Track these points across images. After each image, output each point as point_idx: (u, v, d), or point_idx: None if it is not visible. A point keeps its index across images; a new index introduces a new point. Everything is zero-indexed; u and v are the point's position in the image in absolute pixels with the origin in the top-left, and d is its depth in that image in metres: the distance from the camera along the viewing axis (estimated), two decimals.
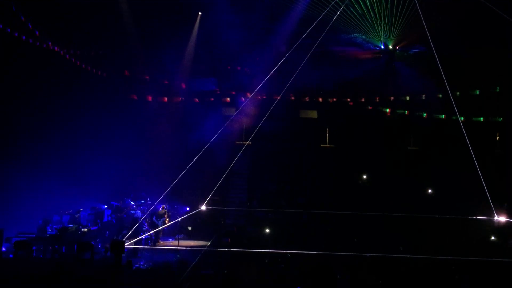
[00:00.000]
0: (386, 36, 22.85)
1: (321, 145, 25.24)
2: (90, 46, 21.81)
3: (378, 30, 22.35)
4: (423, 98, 24.73)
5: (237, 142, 23.99)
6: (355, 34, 22.73)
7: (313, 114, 25.44)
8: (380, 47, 23.69)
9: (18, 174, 17.93)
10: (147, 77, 24.31)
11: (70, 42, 20.61)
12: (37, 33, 18.27)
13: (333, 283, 12.53)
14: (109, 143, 21.41)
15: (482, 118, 23.63)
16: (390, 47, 23.54)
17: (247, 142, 21.94)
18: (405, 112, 25.10)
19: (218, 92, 25.15)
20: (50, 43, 19.13)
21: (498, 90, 23.19)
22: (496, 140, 23.92)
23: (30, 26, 17.86)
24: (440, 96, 22.83)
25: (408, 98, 25.21)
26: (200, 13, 22.78)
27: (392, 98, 25.32)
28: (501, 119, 23.65)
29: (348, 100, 25.29)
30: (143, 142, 23.70)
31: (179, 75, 23.92)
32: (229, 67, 24.69)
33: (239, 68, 24.68)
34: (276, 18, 22.27)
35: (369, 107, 25.39)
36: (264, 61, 22.68)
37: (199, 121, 23.49)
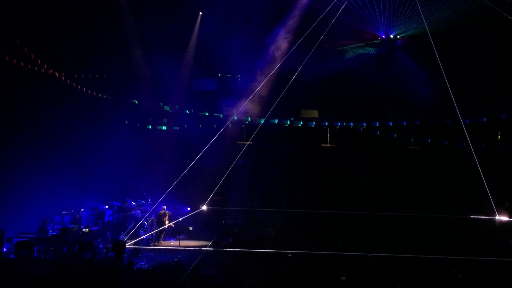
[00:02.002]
0: (387, 25, 22.59)
1: (322, 144, 25.21)
2: (94, 69, 22.07)
3: (379, 18, 22.11)
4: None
5: (238, 142, 23.97)
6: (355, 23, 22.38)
7: (314, 114, 25.41)
8: (381, 36, 23.42)
9: (19, 175, 17.98)
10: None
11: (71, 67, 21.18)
12: (39, 61, 19.51)
13: (333, 283, 12.54)
14: (110, 144, 21.43)
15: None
16: (391, 36, 23.27)
17: (248, 142, 21.95)
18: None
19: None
20: (51, 70, 20.28)
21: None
22: (497, 139, 23.85)
23: (33, 56, 19.00)
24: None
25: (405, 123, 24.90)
26: (200, 13, 22.77)
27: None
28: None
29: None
30: (144, 142, 23.74)
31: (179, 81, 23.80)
32: (229, 75, 24.64)
33: (239, 76, 24.61)
34: (275, 15, 22.17)
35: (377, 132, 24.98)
36: (262, 62, 22.66)
37: (199, 122, 23.53)
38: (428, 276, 13.67)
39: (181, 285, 12.38)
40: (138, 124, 24.02)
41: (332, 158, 24.54)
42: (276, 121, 24.26)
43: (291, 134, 25.00)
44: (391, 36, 23.26)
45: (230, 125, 22.63)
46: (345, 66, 23.27)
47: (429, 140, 23.94)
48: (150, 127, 24.27)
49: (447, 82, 16.08)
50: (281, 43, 22.61)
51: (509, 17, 17.05)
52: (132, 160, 22.05)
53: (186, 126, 24.42)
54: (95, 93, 22.27)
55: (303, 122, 25.10)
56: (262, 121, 21.76)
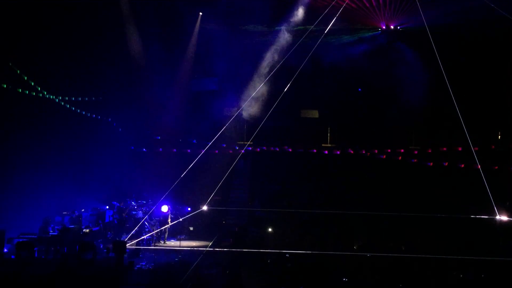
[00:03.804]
0: (388, 15, 22.37)
1: (323, 144, 25.19)
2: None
3: (380, 10, 21.92)
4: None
5: (238, 142, 23.98)
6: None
7: (315, 114, 25.40)
8: (381, 28, 23.15)
9: (20, 175, 17.99)
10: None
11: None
12: (40, 88, 20.24)
13: (335, 284, 12.55)
14: (110, 143, 21.45)
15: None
16: (392, 27, 23.00)
17: (249, 142, 21.95)
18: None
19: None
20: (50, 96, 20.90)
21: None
22: (498, 138, 23.83)
23: (33, 84, 19.73)
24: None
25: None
26: (201, 13, 22.68)
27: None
28: None
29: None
30: (145, 142, 23.76)
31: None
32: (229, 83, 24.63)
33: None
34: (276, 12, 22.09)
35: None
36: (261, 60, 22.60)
37: (200, 122, 23.51)
38: (428, 276, 13.69)
39: (182, 285, 12.40)
40: (144, 149, 24.08)
41: (332, 158, 24.53)
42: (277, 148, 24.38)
43: (292, 134, 24.98)
44: (392, 27, 23.00)
45: (234, 126, 22.64)
46: (344, 61, 23.07)
47: (430, 164, 23.66)
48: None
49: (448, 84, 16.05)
50: (281, 40, 22.51)
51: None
52: (132, 161, 22.07)
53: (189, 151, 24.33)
54: (94, 116, 22.48)
55: (303, 122, 25.08)
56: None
